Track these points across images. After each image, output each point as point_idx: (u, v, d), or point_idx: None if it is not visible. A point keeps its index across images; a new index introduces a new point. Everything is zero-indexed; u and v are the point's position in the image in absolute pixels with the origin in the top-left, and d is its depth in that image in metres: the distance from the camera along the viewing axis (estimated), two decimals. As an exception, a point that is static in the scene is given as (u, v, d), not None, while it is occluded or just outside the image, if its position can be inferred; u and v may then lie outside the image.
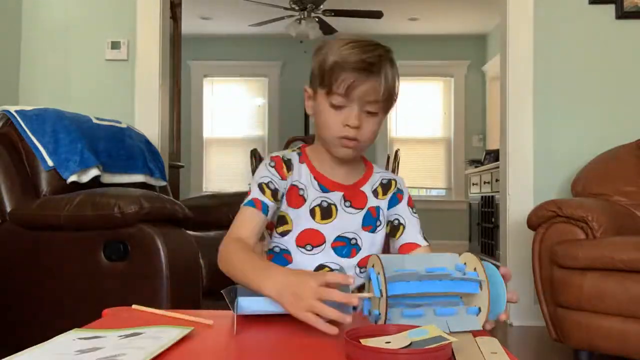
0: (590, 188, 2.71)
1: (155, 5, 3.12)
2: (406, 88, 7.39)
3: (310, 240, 1.19)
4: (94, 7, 3.15)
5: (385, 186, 1.26)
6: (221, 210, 2.59)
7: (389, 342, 0.74)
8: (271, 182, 1.18)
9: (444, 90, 7.43)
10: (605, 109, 3.08)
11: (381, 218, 1.24)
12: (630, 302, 2.02)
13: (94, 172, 2.20)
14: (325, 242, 1.20)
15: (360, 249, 1.22)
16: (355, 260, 1.21)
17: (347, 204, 1.22)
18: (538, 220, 2.39)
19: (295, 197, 1.20)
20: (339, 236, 1.20)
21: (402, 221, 1.25)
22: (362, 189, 1.24)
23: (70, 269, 1.90)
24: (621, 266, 2.04)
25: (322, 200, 1.21)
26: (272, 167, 1.20)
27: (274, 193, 1.17)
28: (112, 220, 1.82)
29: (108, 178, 2.30)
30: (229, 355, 0.80)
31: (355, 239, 1.22)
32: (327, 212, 1.20)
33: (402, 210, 1.26)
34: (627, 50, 3.08)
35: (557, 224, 2.32)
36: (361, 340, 0.76)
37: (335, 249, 1.20)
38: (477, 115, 7.24)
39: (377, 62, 1.12)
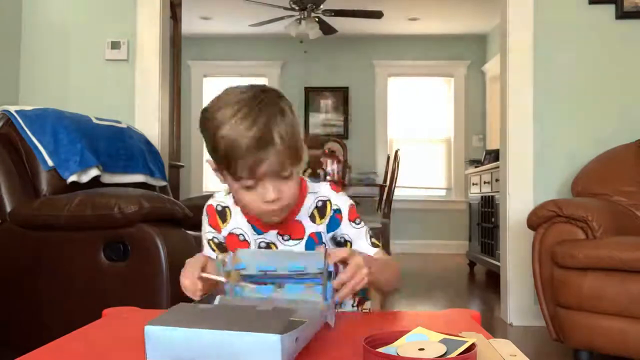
0: (590, 188, 2.71)
1: (155, 5, 3.12)
2: (406, 88, 7.39)
3: None
4: (94, 7, 3.15)
5: (321, 209, 1.19)
6: (221, 210, 2.58)
7: (422, 349, 0.71)
8: (214, 237, 1.22)
9: (444, 90, 7.42)
10: (605, 109, 3.08)
11: (324, 241, 1.20)
12: (630, 302, 2.02)
13: (94, 172, 2.20)
14: None
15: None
16: None
17: (286, 237, 1.18)
18: (538, 220, 2.39)
19: (237, 243, 1.19)
20: None
21: (347, 238, 1.21)
22: (297, 218, 1.18)
23: (70, 269, 1.90)
24: (621, 266, 2.04)
25: (260, 242, 1.19)
26: (207, 221, 1.24)
27: (219, 246, 1.22)
28: (112, 220, 1.82)
29: (108, 178, 2.30)
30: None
31: None
32: None
33: (345, 228, 1.20)
34: (627, 50, 3.08)
35: (557, 224, 2.32)
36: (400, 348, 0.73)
37: None
38: (477, 115, 7.23)
39: (266, 132, 1.01)
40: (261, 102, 1.05)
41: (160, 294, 1.79)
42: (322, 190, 1.21)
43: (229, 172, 1.06)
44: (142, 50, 3.10)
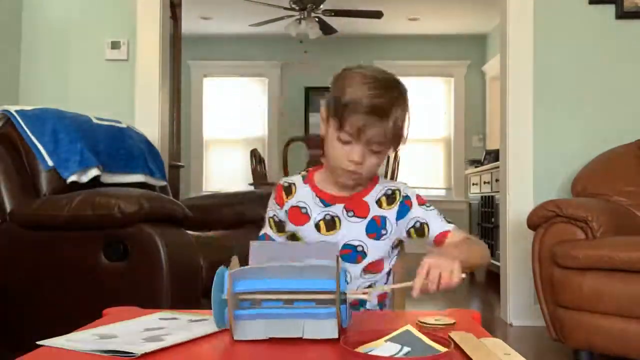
0: (590, 188, 2.71)
1: (155, 5, 3.12)
2: (406, 88, 7.38)
3: None
4: (94, 7, 3.15)
5: (390, 197, 1.31)
6: (221, 210, 2.59)
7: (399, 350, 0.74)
8: (275, 215, 1.34)
9: (444, 90, 7.42)
10: (605, 109, 3.08)
11: (387, 227, 1.29)
12: (630, 302, 2.02)
13: (94, 172, 2.20)
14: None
15: (366, 255, 1.28)
16: (360, 265, 1.28)
17: (350, 213, 1.29)
18: (538, 220, 2.39)
19: (299, 215, 1.30)
20: (345, 244, 1.27)
21: (422, 221, 1.30)
22: (364, 199, 1.30)
23: (70, 269, 1.90)
24: (621, 266, 2.04)
25: (326, 214, 1.29)
26: (274, 198, 1.34)
27: (278, 225, 1.33)
28: (112, 220, 1.82)
29: (108, 178, 2.30)
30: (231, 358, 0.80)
31: (362, 246, 1.28)
32: (331, 224, 1.28)
33: (416, 211, 1.30)
34: (627, 50, 3.08)
35: (557, 224, 2.32)
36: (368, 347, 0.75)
37: (342, 256, 1.24)
38: (477, 115, 7.23)
39: (387, 107, 1.17)
40: (394, 88, 1.21)
41: (160, 294, 1.79)
42: (394, 183, 1.35)
43: (337, 121, 1.18)
44: (142, 50, 3.10)
